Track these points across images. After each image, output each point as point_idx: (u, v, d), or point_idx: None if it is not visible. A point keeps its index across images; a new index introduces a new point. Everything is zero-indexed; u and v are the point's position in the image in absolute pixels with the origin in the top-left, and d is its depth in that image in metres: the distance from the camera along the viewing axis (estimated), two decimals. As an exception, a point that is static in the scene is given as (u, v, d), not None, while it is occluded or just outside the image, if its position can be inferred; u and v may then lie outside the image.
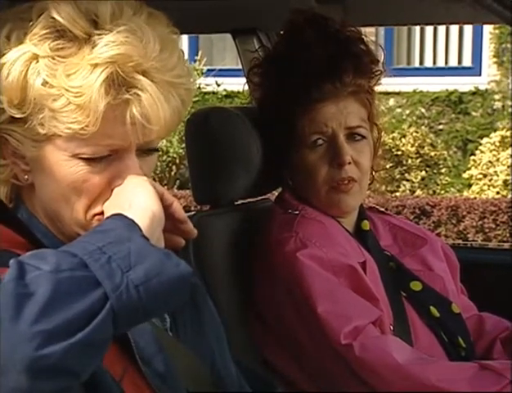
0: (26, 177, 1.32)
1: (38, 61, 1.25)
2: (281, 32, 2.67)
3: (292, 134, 2.01)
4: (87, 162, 1.27)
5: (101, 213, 1.28)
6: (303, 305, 1.88)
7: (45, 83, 1.25)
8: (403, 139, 9.29)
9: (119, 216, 1.18)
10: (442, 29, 10.59)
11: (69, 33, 1.26)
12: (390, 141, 8.95)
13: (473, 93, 10.36)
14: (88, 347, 1.07)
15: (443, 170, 9.54)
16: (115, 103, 1.24)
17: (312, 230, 1.98)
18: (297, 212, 2.02)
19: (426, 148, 9.39)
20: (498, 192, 8.66)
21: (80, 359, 1.08)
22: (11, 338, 1.03)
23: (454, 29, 10.60)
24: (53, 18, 1.26)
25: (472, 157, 9.40)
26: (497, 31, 10.14)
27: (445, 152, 9.73)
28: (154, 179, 1.35)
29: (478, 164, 9.08)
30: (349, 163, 1.99)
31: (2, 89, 1.26)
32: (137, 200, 1.23)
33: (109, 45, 1.24)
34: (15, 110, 1.26)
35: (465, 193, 9.12)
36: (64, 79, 1.24)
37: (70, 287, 1.07)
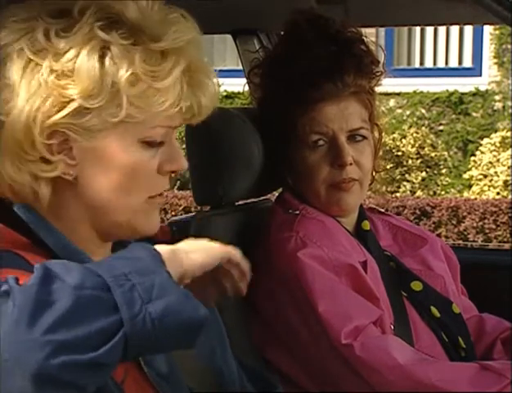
0: (72, 172, 1.29)
1: (111, 49, 1.25)
2: (281, 32, 2.67)
3: (293, 134, 2.01)
4: (147, 147, 1.30)
5: (161, 194, 1.34)
6: (303, 305, 1.88)
7: (124, 70, 1.25)
8: (404, 140, 9.29)
9: (148, 246, 1.18)
10: (442, 29, 10.59)
11: (126, 19, 1.27)
12: (390, 141, 8.96)
13: (474, 94, 10.37)
14: (96, 367, 1.07)
15: (444, 171, 9.54)
16: (187, 88, 1.30)
17: (312, 229, 1.98)
18: (297, 212, 2.02)
19: (426, 149, 9.39)
20: (498, 193, 8.67)
21: (87, 376, 1.08)
22: (23, 342, 1.03)
23: (454, 29, 10.60)
24: (107, 7, 1.27)
25: (472, 158, 9.41)
26: (498, 32, 10.15)
27: (445, 153, 9.73)
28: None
29: (479, 165, 9.09)
30: (350, 164, 1.99)
31: (71, 82, 1.24)
32: (189, 257, 1.24)
33: (177, 32, 1.29)
34: (90, 100, 1.25)
35: (466, 194, 9.13)
36: (141, 65, 1.25)
37: (90, 306, 1.07)
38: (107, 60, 1.25)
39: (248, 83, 2.20)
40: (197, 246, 1.27)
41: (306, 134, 2.00)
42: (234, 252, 1.31)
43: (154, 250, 1.17)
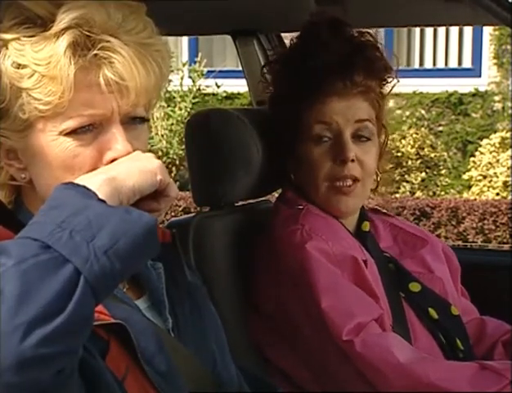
0: (23, 175, 1.33)
1: (7, 48, 1.27)
2: (281, 33, 2.68)
3: (300, 128, 2.03)
4: (74, 137, 1.27)
5: None
6: (307, 299, 1.89)
7: (16, 65, 1.26)
8: (403, 141, 9.29)
9: (69, 185, 1.17)
10: (442, 30, 10.59)
11: (33, 14, 1.27)
12: (390, 142, 8.94)
13: (473, 95, 10.37)
14: (72, 326, 1.06)
15: (443, 172, 9.54)
16: (86, 66, 1.25)
17: (317, 223, 1.99)
18: (301, 207, 2.03)
19: (426, 149, 9.39)
20: (498, 194, 8.66)
21: (68, 340, 1.07)
22: None
23: (454, 30, 10.60)
24: (19, 6, 1.27)
25: (472, 158, 9.40)
26: (497, 32, 10.15)
27: (445, 154, 9.73)
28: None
29: (478, 166, 9.08)
30: (352, 161, 2.00)
31: None
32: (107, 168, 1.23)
33: (68, 10, 1.25)
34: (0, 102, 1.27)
35: (465, 194, 9.13)
36: (32, 55, 1.25)
37: (39, 274, 1.06)
38: (1, 59, 1.26)
39: (262, 75, 2.21)
40: (132, 169, 1.23)
41: (312, 128, 2.01)
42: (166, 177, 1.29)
43: (79, 186, 1.16)
